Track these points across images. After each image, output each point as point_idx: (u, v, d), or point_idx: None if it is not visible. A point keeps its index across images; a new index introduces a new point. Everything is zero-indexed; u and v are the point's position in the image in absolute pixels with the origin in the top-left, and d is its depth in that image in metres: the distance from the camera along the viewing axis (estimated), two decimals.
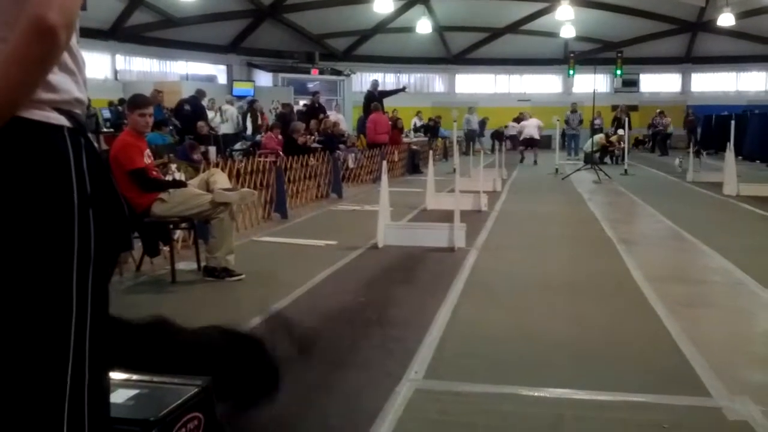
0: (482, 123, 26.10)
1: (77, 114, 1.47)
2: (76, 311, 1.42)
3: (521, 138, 20.74)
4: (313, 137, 13.71)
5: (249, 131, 17.15)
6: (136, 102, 5.52)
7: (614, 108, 25.46)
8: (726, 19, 23.38)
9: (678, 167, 11.67)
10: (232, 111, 17.80)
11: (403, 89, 20.70)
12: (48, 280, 1.39)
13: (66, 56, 1.44)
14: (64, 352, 1.41)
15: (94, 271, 1.45)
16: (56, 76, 1.41)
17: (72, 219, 1.41)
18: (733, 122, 13.13)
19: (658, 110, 25.49)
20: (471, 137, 23.93)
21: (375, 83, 18.86)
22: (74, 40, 1.47)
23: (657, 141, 25.07)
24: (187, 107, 14.67)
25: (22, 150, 1.37)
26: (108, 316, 1.55)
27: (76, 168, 1.42)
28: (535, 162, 19.16)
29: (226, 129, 17.11)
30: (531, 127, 20.23)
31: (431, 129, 23.35)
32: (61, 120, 1.42)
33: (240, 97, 21.22)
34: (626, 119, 18.45)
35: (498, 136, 25.06)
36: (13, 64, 1.32)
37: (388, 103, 18.28)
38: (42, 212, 1.38)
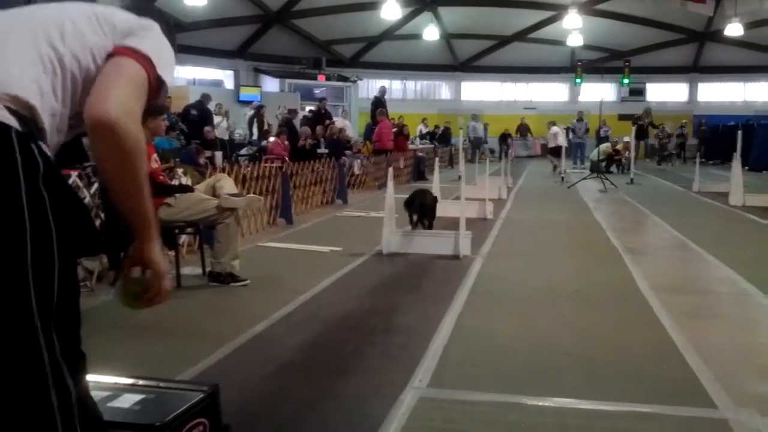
0: (484, 130, 26.12)
1: (30, 120, 1.45)
2: (42, 327, 1.38)
3: (551, 146, 19.74)
4: (309, 140, 13.69)
5: (255, 136, 17.19)
6: (158, 108, 5.58)
7: (620, 117, 25.37)
8: (734, 29, 23.37)
9: None
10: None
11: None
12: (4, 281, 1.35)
13: (39, 70, 1.47)
14: (39, 363, 1.38)
15: (60, 273, 1.41)
16: (26, 84, 1.44)
17: (23, 220, 1.36)
18: (740, 132, 13.09)
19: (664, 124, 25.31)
20: (477, 144, 23.96)
21: (383, 90, 18.89)
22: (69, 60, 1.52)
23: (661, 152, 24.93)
24: (194, 112, 14.68)
25: None
26: (78, 328, 1.50)
27: (24, 169, 1.37)
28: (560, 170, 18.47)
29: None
30: (560, 135, 19.53)
31: (440, 137, 23.39)
32: (10, 120, 1.40)
33: (247, 103, 21.26)
34: (639, 126, 18.21)
35: (505, 139, 25.01)
36: (116, 173, 1.52)
37: (392, 109, 18.30)
38: None
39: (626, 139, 18.83)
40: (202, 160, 9.97)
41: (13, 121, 1.40)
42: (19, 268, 1.35)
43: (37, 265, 1.37)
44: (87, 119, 1.49)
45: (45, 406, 1.38)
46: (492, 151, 24.96)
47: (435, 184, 9.82)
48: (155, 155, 5.51)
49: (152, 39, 1.65)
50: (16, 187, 1.36)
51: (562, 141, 18.98)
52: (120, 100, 1.51)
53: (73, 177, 5.30)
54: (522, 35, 27.81)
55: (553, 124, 20.14)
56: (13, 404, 1.37)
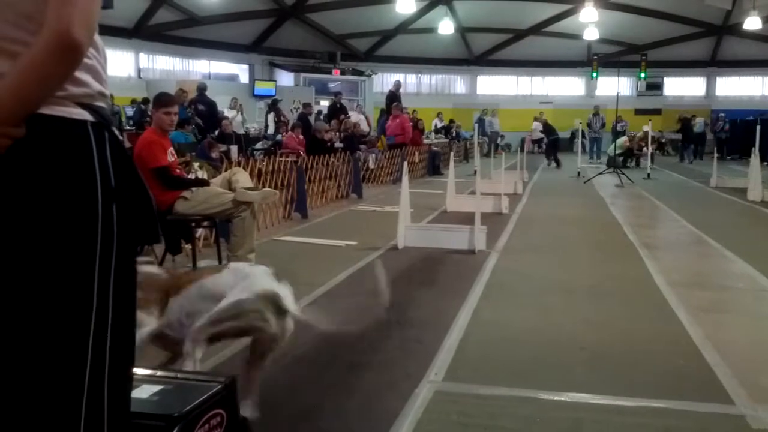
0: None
1: (100, 107, 1.47)
2: (97, 304, 1.42)
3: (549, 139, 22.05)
4: (335, 133, 13.71)
5: (271, 130, 17.22)
6: (162, 100, 5.58)
7: (637, 112, 25.06)
8: (752, 23, 23.07)
9: None
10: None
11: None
12: (69, 274, 1.40)
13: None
14: (82, 346, 1.41)
15: (117, 265, 1.46)
16: (77, 73, 1.42)
17: (96, 212, 1.41)
18: (758, 127, 12.97)
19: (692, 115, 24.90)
20: (493, 139, 23.89)
21: (398, 84, 18.85)
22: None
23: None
24: (201, 107, 14.58)
25: (46, 146, 1.38)
26: (133, 309, 1.55)
27: (99, 162, 1.42)
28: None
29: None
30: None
31: (454, 135, 23.34)
32: (84, 115, 1.43)
33: (262, 97, 21.30)
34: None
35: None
36: (33, 74, 1.33)
37: (407, 103, 18.28)
38: (66, 207, 1.39)
39: (645, 128, 18.58)
40: (215, 154, 9.99)
41: (87, 115, 1.44)
42: (88, 260, 1.42)
43: (104, 254, 1.43)
44: (54, 34, 1.31)
45: (75, 396, 1.41)
46: (509, 147, 24.83)
47: (450, 178, 9.81)
48: (171, 149, 5.54)
49: None
50: (92, 176, 1.42)
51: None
52: (89, 22, 1.36)
53: None
54: (538, 29, 27.62)
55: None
56: (45, 389, 1.39)
